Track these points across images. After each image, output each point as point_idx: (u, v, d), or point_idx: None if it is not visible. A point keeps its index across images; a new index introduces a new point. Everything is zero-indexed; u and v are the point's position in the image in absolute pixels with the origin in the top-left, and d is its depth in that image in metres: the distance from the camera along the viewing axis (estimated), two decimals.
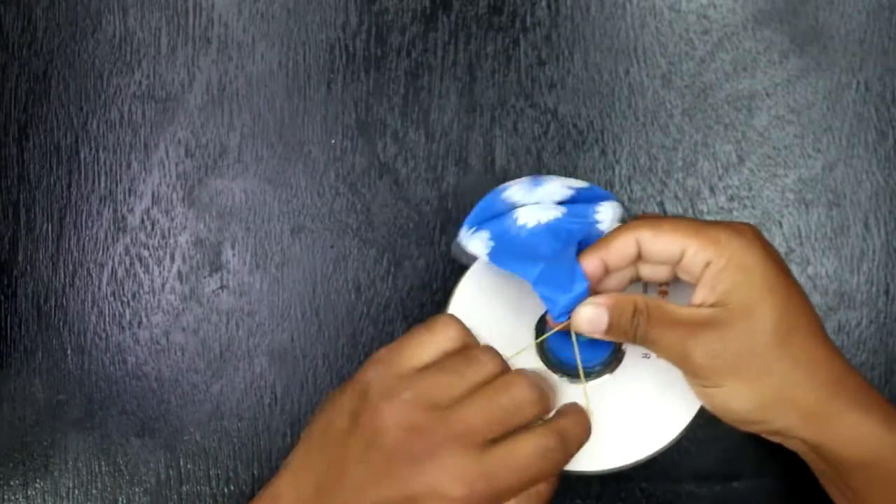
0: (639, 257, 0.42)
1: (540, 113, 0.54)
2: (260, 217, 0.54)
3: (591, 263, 0.41)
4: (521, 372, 0.42)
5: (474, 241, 0.46)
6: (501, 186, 0.48)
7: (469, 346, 0.43)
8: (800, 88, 0.53)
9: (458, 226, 0.53)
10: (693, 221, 0.41)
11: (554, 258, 0.43)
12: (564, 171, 0.53)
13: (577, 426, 0.42)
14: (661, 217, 0.42)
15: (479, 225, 0.46)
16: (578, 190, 0.47)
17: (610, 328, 0.41)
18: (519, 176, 0.53)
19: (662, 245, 0.41)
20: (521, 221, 0.45)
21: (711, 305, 0.40)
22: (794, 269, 0.53)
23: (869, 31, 0.53)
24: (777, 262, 0.41)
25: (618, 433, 0.46)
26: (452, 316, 0.44)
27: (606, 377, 0.47)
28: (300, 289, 0.54)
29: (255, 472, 0.53)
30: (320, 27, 0.54)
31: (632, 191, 0.53)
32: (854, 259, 0.52)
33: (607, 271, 0.42)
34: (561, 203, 0.47)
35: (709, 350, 0.39)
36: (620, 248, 0.41)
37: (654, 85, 0.53)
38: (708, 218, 0.53)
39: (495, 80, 0.54)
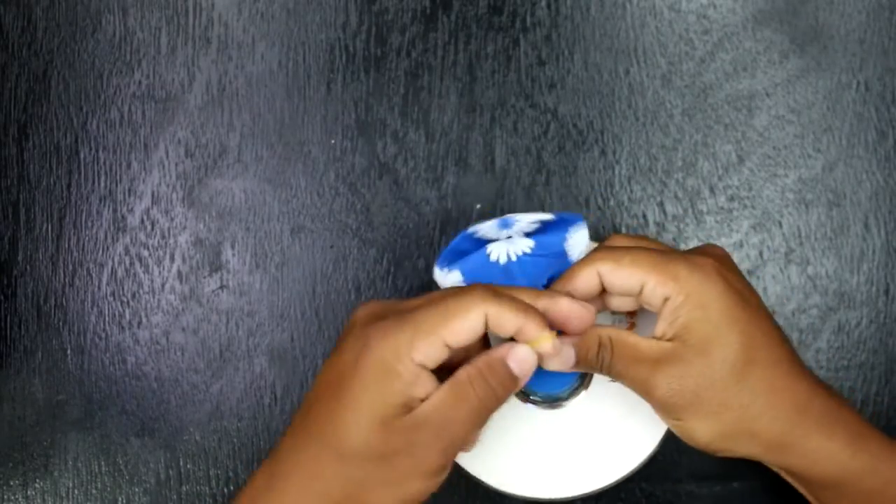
0: (603, 289, 0.42)
1: (540, 113, 0.54)
2: (260, 217, 0.54)
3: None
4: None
5: (448, 282, 0.46)
6: (471, 228, 0.48)
7: None
8: (800, 88, 0.53)
9: (458, 226, 0.53)
10: (654, 254, 0.41)
11: None
12: (564, 170, 0.53)
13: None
14: (623, 249, 0.42)
15: (451, 264, 0.46)
16: (545, 222, 0.47)
17: (577, 363, 0.42)
18: (519, 176, 0.53)
19: (622, 279, 0.41)
20: (493, 258, 0.45)
21: (671, 339, 0.40)
22: (794, 270, 0.53)
23: (869, 31, 0.53)
24: (738, 295, 0.41)
25: (590, 456, 0.47)
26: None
27: (574, 401, 0.48)
28: (300, 289, 0.54)
29: (255, 472, 0.53)
30: (320, 27, 0.54)
31: (632, 191, 0.53)
32: (854, 259, 0.52)
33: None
34: (531, 234, 0.46)
35: (668, 387, 0.40)
36: (584, 282, 0.42)
37: (654, 85, 0.53)
38: (708, 219, 0.53)
39: (495, 80, 0.54)
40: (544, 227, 0.46)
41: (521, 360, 0.40)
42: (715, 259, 0.41)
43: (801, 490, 0.44)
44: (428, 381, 0.38)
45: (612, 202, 0.53)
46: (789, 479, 0.44)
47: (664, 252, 0.42)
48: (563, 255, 0.45)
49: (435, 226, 0.53)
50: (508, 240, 0.45)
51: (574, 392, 0.48)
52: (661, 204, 0.53)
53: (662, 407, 0.41)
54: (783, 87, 0.53)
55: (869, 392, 0.52)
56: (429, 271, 0.53)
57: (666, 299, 0.40)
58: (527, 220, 0.47)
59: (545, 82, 0.54)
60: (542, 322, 0.39)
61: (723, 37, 0.53)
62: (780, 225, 0.53)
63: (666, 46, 0.53)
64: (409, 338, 0.38)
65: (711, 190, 0.53)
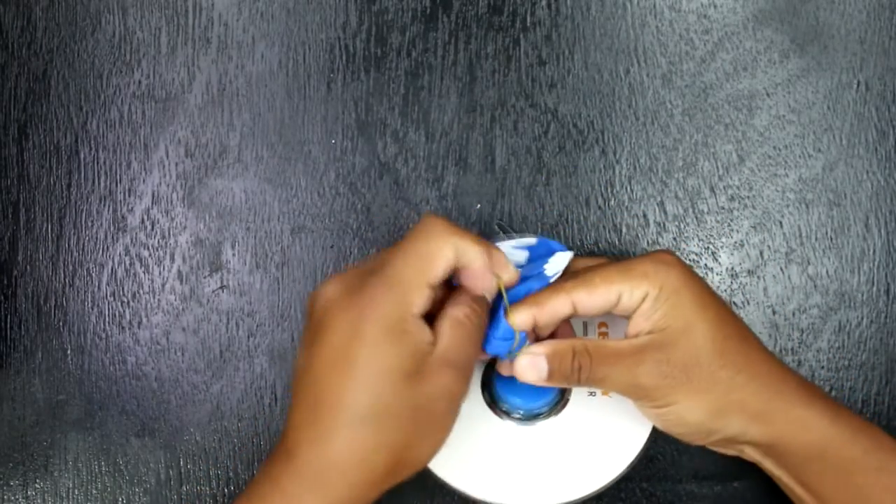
0: (573, 312, 0.43)
1: (540, 113, 0.53)
2: (260, 217, 0.54)
3: (521, 318, 0.43)
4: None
5: None
6: None
7: None
8: (800, 88, 0.53)
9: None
10: (618, 265, 0.43)
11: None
12: (565, 170, 0.53)
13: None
14: (590, 270, 0.44)
15: None
16: (530, 247, 0.47)
17: (551, 375, 0.43)
18: (519, 175, 0.53)
19: (600, 300, 0.43)
20: None
21: (648, 333, 0.42)
22: (795, 269, 0.53)
23: (869, 31, 0.53)
24: (700, 281, 0.44)
25: (570, 470, 0.48)
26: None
27: (555, 418, 0.48)
28: (300, 289, 0.54)
29: (255, 472, 0.53)
30: (320, 27, 0.54)
31: (632, 190, 0.53)
32: (854, 259, 0.52)
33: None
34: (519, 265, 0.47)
35: (657, 372, 0.42)
36: (554, 309, 0.43)
37: (655, 85, 0.53)
38: (709, 218, 0.53)
39: (495, 79, 0.54)
40: (531, 255, 0.47)
41: (489, 288, 0.43)
42: (669, 253, 0.44)
43: (785, 486, 0.45)
44: (427, 329, 0.40)
45: (612, 202, 0.53)
46: (774, 473, 0.45)
47: (625, 260, 0.44)
48: (544, 278, 0.45)
49: None
50: None
51: (552, 411, 0.49)
52: (661, 204, 0.53)
53: (651, 395, 0.42)
54: (783, 87, 0.53)
55: (869, 392, 0.52)
56: None
57: (644, 297, 0.42)
58: (509, 245, 0.47)
59: (545, 82, 0.54)
60: (493, 250, 0.43)
61: (723, 36, 0.53)
62: (781, 225, 0.53)
63: (666, 46, 0.53)
64: (403, 294, 0.40)
65: (712, 190, 0.53)
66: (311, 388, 0.41)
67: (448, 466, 0.48)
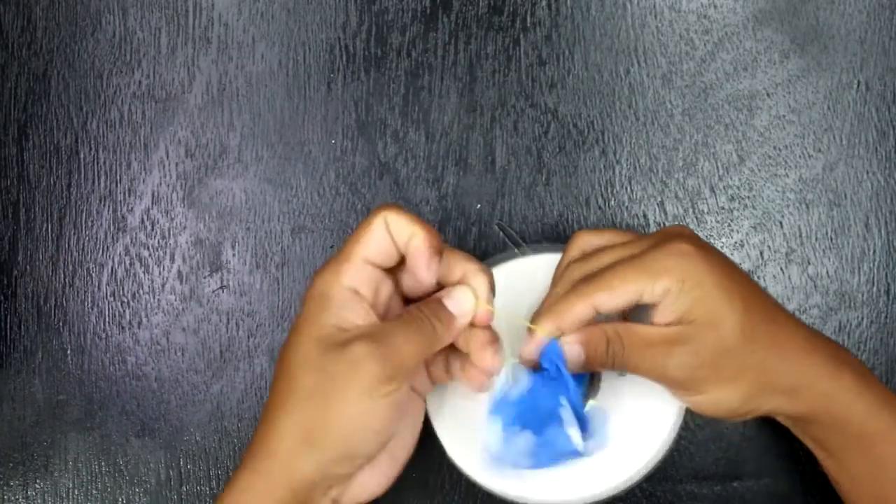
0: (595, 314, 0.43)
1: (540, 113, 0.53)
2: (260, 217, 0.54)
3: (547, 327, 0.43)
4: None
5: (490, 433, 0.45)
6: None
7: None
8: (800, 88, 0.53)
9: (458, 226, 0.53)
10: (636, 261, 0.42)
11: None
12: (565, 170, 0.53)
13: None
14: (607, 270, 0.43)
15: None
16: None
17: (587, 362, 0.43)
18: (519, 176, 0.53)
19: (621, 300, 0.42)
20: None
21: (675, 322, 0.42)
22: (795, 270, 0.53)
23: (869, 31, 0.53)
24: (721, 266, 0.43)
25: (614, 453, 0.47)
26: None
27: (591, 402, 0.47)
28: (300, 289, 0.54)
29: None
30: (320, 27, 0.54)
31: (632, 191, 0.53)
32: (855, 259, 0.52)
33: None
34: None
35: (686, 364, 0.42)
36: (576, 316, 0.43)
37: (655, 85, 0.53)
38: (709, 218, 0.53)
39: (495, 80, 0.54)
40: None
41: (457, 299, 0.42)
42: (686, 239, 0.43)
43: (812, 446, 0.46)
44: (361, 308, 0.40)
45: (612, 202, 0.53)
46: (801, 436, 0.46)
47: (641, 252, 0.43)
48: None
49: (435, 226, 0.53)
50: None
51: (585, 398, 0.47)
52: (661, 204, 0.53)
53: (683, 385, 0.43)
54: (784, 87, 0.53)
55: None
56: None
57: (666, 292, 0.42)
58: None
59: (545, 82, 0.54)
60: (432, 234, 0.41)
61: (723, 36, 0.53)
62: (781, 225, 0.53)
63: (666, 46, 0.53)
64: (336, 267, 0.41)
65: (712, 190, 0.53)
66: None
67: (468, 459, 0.47)
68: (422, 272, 0.41)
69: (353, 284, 0.40)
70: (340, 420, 0.39)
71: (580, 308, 0.42)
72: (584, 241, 0.46)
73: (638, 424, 0.47)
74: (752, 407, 0.43)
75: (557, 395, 0.43)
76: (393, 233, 0.41)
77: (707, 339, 0.42)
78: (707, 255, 0.43)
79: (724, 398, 0.42)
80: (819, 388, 0.43)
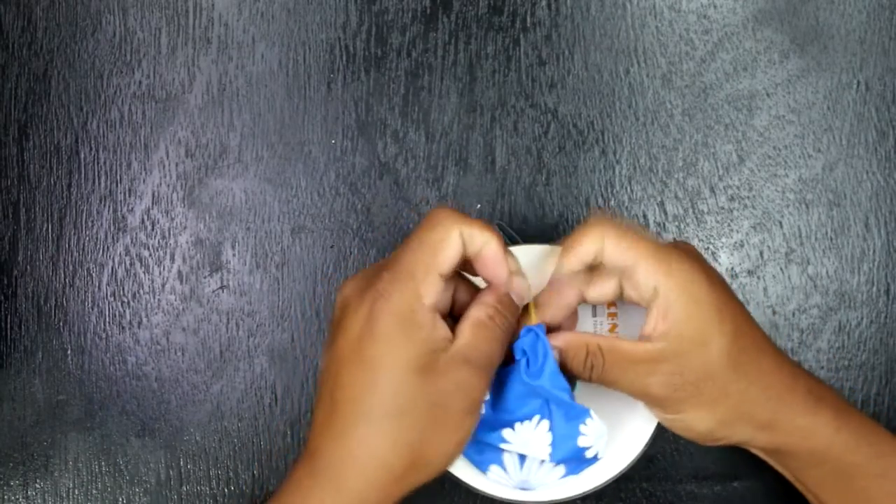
0: (591, 266, 0.42)
1: (540, 113, 0.54)
2: (260, 217, 0.54)
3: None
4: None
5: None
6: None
7: None
8: (800, 88, 0.53)
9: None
10: (649, 241, 0.42)
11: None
12: (565, 170, 0.53)
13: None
14: (626, 226, 0.42)
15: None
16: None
17: (562, 366, 0.42)
18: (519, 176, 0.53)
19: (621, 252, 0.41)
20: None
21: (663, 335, 0.41)
22: (795, 270, 0.53)
23: (869, 31, 0.53)
24: (721, 288, 0.42)
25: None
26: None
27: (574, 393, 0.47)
28: (300, 289, 0.54)
29: (255, 472, 0.53)
30: (320, 27, 0.54)
31: (632, 191, 0.53)
32: (854, 259, 0.52)
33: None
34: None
35: (669, 383, 0.41)
36: (589, 245, 0.42)
37: (655, 85, 0.53)
38: (709, 218, 0.53)
39: (495, 80, 0.54)
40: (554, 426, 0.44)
41: (519, 288, 0.42)
42: (691, 254, 0.43)
43: (789, 477, 0.45)
44: (443, 324, 0.40)
45: (612, 202, 0.53)
46: (778, 468, 0.45)
47: (656, 242, 0.43)
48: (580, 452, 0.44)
49: None
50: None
51: None
52: (661, 204, 0.53)
53: (661, 403, 0.42)
54: (783, 87, 0.53)
55: (869, 392, 0.52)
56: None
57: (655, 289, 0.41)
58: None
59: (545, 82, 0.54)
60: (499, 236, 0.41)
61: (723, 37, 0.53)
62: (781, 225, 0.53)
63: (666, 46, 0.53)
64: (413, 286, 0.39)
65: (712, 190, 0.53)
66: (328, 387, 0.40)
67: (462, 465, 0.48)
68: (499, 271, 0.41)
69: (433, 301, 0.39)
70: (451, 444, 0.39)
71: (592, 236, 0.41)
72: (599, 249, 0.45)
73: (618, 421, 0.47)
74: (725, 434, 0.43)
75: (530, 386, 0.43)
76: (466, 243, 0.40)
77: (693, 358, 0.41)
78: (709, 273, 0.42)
79: (699, 421, 0.42)
80: (797, 423, 0.42)
